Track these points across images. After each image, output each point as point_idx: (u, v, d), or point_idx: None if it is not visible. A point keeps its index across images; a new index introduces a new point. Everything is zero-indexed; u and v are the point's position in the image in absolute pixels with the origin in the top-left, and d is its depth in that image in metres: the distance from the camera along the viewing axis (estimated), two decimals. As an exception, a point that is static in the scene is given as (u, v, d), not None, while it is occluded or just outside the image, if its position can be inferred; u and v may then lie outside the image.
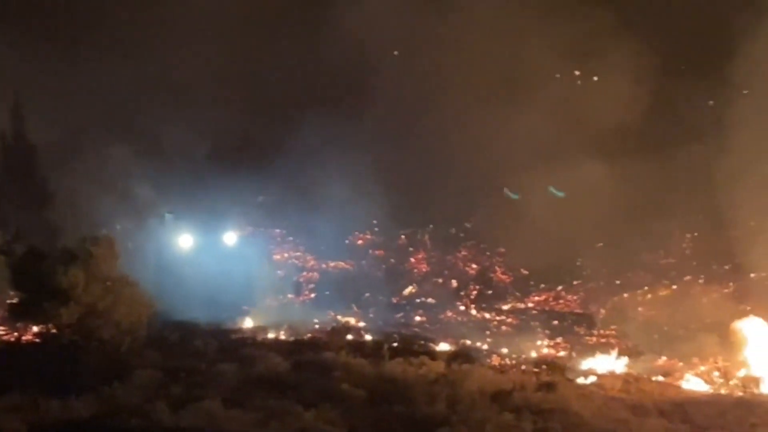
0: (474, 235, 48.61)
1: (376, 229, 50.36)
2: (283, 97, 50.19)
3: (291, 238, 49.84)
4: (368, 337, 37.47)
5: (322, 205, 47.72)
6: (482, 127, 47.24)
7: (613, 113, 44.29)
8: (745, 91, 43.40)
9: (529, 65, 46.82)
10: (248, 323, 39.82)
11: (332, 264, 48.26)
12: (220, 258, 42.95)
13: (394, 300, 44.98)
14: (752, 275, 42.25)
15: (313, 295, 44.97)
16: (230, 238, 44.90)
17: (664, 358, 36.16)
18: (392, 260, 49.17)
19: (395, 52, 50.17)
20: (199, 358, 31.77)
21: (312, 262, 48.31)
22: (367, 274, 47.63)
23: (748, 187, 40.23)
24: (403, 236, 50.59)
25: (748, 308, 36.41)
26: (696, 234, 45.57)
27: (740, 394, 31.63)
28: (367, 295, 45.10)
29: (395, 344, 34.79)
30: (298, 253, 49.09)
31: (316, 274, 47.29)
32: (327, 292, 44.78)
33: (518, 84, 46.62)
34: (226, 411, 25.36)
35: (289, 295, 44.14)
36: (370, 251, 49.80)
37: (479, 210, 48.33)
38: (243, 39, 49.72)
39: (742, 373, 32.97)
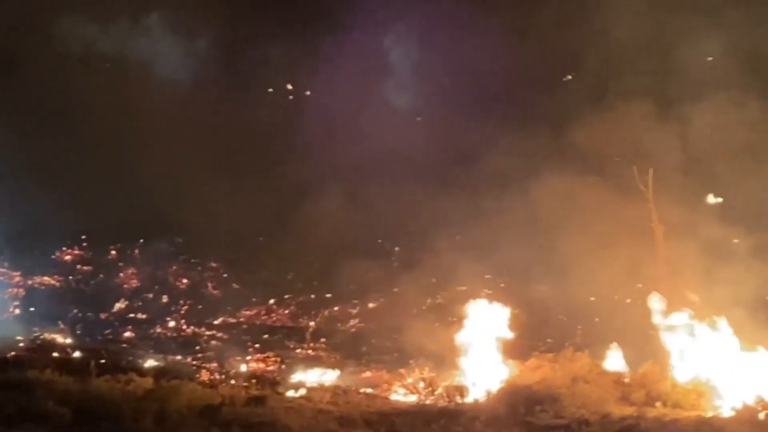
0: (185, 249, 48.31)
1: (85, 243, 49.38)
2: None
3: (-6, 253, 48.31)
4: (75, 354, 36.61)
5: (29, 220, 46.50)
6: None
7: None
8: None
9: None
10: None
11: (38, 280, 47.00)
12: None
13: (103, 316, 44.15)
14: (462, 288, 43.58)
15: (17, 312, 43.59)
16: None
17: (372, 370, 36.80)
18: (101, 275, 48.28)
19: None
20: None
21: (17, 278, 46.91)
22: (75, 289, 46.63)
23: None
24: (113, 251, 49.76)
25: (454, 320, 37.22)
26: (403, 247, 46.64)
27: (444, 404, 32.39)
28: (75, 311, 44.12)
29: (103, 361, 34.10)
30: (2, 270, 47.61)
31: (21, 290, 45.95)
32: (32, 309, 43.53)
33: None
34: None
35: (-7, 312, 42.59)
36: (78, 266, 48.77)
37: (190, 224, 47.99)
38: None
39: (446, 383, 33.74)
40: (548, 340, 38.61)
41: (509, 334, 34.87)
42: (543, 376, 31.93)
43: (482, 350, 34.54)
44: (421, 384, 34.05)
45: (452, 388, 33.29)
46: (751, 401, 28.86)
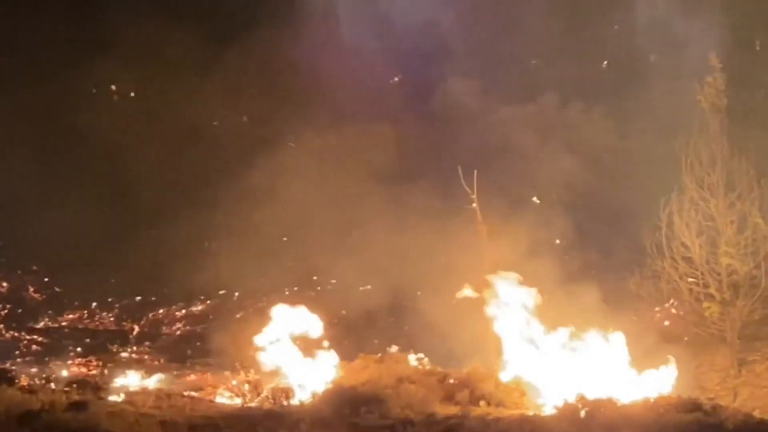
0: (4, 253, 47.25)
1: None
2: None
3: None
4: None
5: None
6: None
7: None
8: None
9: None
10: None
11: None
12: None
13: None
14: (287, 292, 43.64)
15: None
16: None
17: (195, 373, 36.53)
18: None
19: None
20: None
21: None
22: None
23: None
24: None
25: (279, 322, 37.06)
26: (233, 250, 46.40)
27: (269, 406, 32.31)
28: None
29: None
30: None
31: None
32: None
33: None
34: None
35: None
36: None
37: (9, 228, 47.04)
38: None
39: (272, 385, 33.66)
40: (375, 341, 38.79)
41: (333, 336, 35.03)
42: (369, 377, 32.08)
43: (307, 352, 34.58)
44: (246, 386, 33.88)
45: (277, 390, 33.18)
46: (572, 399, 29.39)
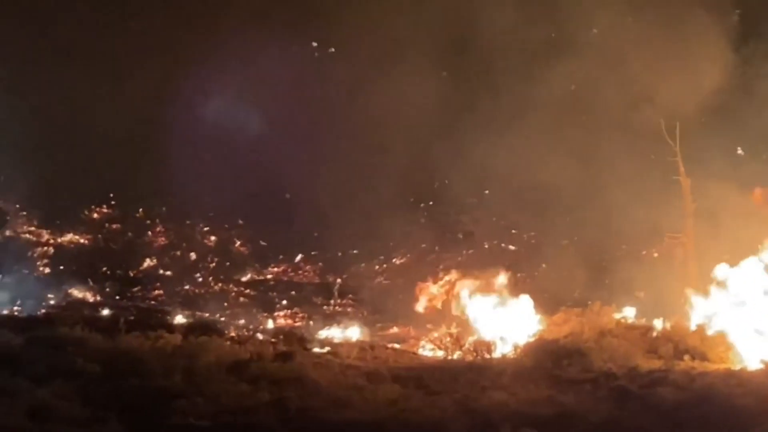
0: (212, 207, 48.28)
1: (113, 202, 49.54)
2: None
3: (24, 213, 48.54)
4: (105, 312, 36.88)
5: (57, 178, 46.72)
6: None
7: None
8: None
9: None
10: (-21, 299, 38.67)
11: (67, 238, 47.23)
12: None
13: (132, 274, 44.30)
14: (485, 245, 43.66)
15: (47, 270, 43.80)
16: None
17: (398, 326, 36.94)
18: (130, 234, 48.46)
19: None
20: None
21: (46, 237, 47.15)
22: (104, 248, 46.82)
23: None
24: (140, 210, 49.93)
25: (481, 276, 37.18)
26: (430, 203, 46.57)
27: (471, 359, 32.53)
28: (104, 269, 44.32)
29: (132, 318, 34.36)
30: (32, 228, 47.86)
31: (50, 249, 46.17)
32: (62, 267, 43.73)
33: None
34: (-46, 390, 24.44)
35: (24, 271, 42.77)
36: (107, 225, 48.96)
37: (219, 183, 48.05)
38: None
39: (473, 338, 33.86)
40: (575, 294, 38.47)
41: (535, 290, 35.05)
42: (570, 331, 32.01)
43: (509, 305, 34.69)
44: (448, 339, 34.16)
45: (479, 343, 33.44)
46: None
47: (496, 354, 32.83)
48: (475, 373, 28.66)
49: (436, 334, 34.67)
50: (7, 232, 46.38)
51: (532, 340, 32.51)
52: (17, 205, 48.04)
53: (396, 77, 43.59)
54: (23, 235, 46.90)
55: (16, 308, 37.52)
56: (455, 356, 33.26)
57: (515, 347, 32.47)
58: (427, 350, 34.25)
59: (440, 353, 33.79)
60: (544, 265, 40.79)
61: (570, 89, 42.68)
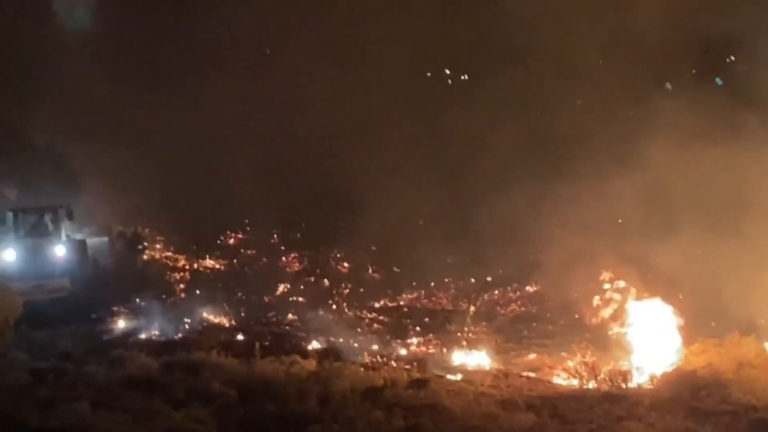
0: (346, 233, 48.69)
1: (248, 228, 50.22)
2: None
3: (161, 238, 49.48)
4: (240, 337, 37.26)
5: (194, 205, 47.53)
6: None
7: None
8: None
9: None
10: (119, 324, 39.40)
11: (203, 263, 47.98)
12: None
13: (266, 299, 44.75)
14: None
15: (183, 295, 44.50)
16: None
17: (533, 354, 36.62)
18: (264, 259, 49.05)
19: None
20: (67, 359, 31.40)
21: (183, 262, 47.96)
22: (239, 273, 47.44)
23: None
24: (275, 235, 50.52)
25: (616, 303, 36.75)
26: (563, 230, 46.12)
27: (607, 388, 32.12)
28: (239, 294, 44.86)
29: (267, 343, 34.64)
30: (169, 253, 48.74)
31: (187, 274, 46.94)
32: (198, 292, 44.37)
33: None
34: (94, 412, 24.91)
35: (161, 295, 43.50)
36: (242, 250, 49.64)
37: (352, 210, 48.42)
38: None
39: (609, 367, 33.47)
40: (712, 324, 37.70)
41: (674, 320, 34.48)
42: (708, 362, 31.38)
43: (646, 335, 34.24)
44: (583, 368, 33.79)
45: (615, 372, 33.00)
46: None
47: (632, 384, 32.35)
48: (611, 403, 28.30)
49: (571, 363, 34.29)
50: (145, 257, 47.29)
51: (669, 370, 31.95)
52: (155, 231, 49.02)
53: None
54: (160, 261, 47.80)
55: (153, 333, 38.11)
56: (590, 385, 32.80)
57: (651, 377, 31.95)
58: (562, 379, 33.88)
59: (575, 382, 33.38)
60: (681, 296, 39.99)
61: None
